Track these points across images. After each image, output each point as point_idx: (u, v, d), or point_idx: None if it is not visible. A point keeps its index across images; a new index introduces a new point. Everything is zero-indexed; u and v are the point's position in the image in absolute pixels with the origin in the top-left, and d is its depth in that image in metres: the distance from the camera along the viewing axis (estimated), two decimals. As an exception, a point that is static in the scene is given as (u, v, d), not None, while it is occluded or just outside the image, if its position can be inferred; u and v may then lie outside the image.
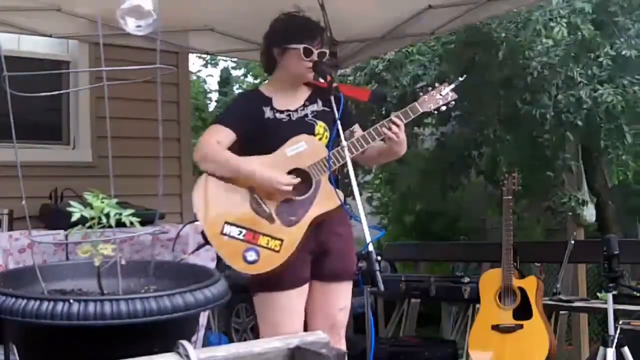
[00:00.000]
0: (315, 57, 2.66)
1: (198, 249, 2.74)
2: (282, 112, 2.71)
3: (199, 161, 2.64)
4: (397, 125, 2.60)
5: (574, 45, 5.47)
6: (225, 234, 2.51)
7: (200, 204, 2.57)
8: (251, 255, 2.49)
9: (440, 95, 2.69)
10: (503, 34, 5.54)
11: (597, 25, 5.64)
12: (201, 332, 4.01)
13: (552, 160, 5.84)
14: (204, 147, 2.64)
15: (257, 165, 2.57)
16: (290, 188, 2.54)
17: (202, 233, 2.56)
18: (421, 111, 2.67)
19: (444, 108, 2.72)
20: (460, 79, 2.76)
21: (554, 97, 5.50)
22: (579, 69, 5.51)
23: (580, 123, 5.48)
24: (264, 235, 2.52)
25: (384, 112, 6.36)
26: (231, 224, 2.52)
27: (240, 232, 2.52)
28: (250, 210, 2.55)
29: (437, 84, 2.74)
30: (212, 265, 3.63)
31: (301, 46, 2.65)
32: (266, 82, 2.99)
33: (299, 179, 2.56)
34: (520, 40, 5.57)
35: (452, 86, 2.71)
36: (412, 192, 8.22)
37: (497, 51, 5.54)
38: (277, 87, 2.77)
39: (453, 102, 2.72)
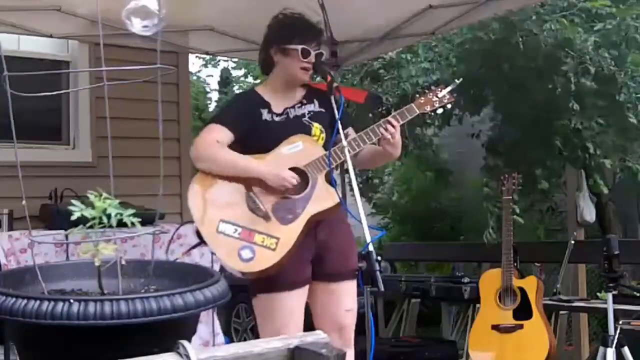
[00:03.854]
0: (312, 58, 2.66)
1: (193, 248, 2.74)
2: (279, 114, 2.71)
3: (197, 159, 2.64)
4: (393, 126, 2.60)
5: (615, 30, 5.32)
6: (220, 232, 2.51)
7: (195, 203, 2.57)
8: (246, 253, 2.49)
9: (437, 97, 2.71)
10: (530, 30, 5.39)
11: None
12: (219, 337, 4.00)
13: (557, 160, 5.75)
14: (202, 146, 2.64)
15: (258, 162, 2.58)
16: (295, 182, 2.54)
17: (198, 232, 2.56)
18: (417, 112, 2.69)
19: (440, 110, 2.73)
20: (457, 81, 2.79)
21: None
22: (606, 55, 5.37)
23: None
24: (260, 233, 2.51)
25: (384, 112, 6.29)
26: (227, 222, 2.51)
27: (236, 230, 2.51)
28: (246, 208, 2.55)
29: (433, 87, 2.76)
30: (215, 266, 3.63)
31: (299, 47, 2.65)
32: (262, 82, 2.99)
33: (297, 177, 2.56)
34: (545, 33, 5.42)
35: (449, 89, 2.73)
36: (423, 193, 8.23)
37: (537, 46, 5.36)
38: (274, 88, 2.76)
39: (449, 105, 2.74)
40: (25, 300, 1.21)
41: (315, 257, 2.68)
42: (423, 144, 6.93)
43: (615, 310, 3.12)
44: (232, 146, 2.65)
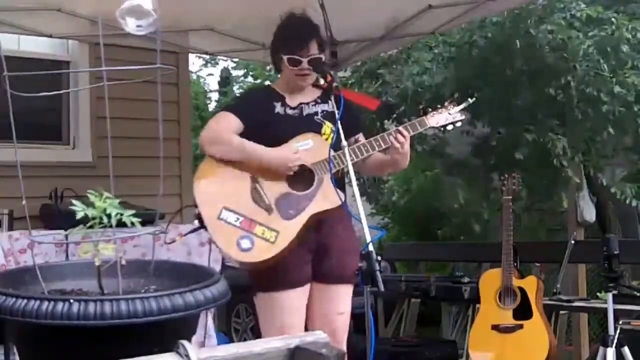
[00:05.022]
0: (305, 64, 2.67)
1: (192, 231, 2.74)
2: (293, 108, 2.73)
3: (206, 144, 2.65)
4: (404, 136, 2.62)
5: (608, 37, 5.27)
6: (222, 219, 2.51)
7: (200, 187, 2.58)
8: (245, 243, 2.49)
9: (449, 114, 2.76)
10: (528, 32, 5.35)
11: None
12: (212, 340, 3.99)
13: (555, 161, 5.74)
14: (212, 130, 2.66)
15: (265, 148, 2.59)
16: (299, 159, 2.56)
17: (199, 216, 2.56)
18: (428, 125, 2.73)
19: (450, 127, 2.77)
20: (470, 100, 2.83)
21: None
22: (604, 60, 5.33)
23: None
24: (260, 225, 2.52)
25: (394, 120, 6.27)
26: (229, 210, 2.52)
27: (237, 219, 2.52)
28: (250, 199, 2.56)
29: (446, 103, 2.80)
30: (216, 266, 3.63)
31: (285, 57, 2.68)
32: (276, 81, 3.01)
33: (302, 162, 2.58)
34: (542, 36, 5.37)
35: (461, 107, 2.77)
36: (424, 192, 8.23)
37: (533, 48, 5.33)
38: (286, 87, 2.79)
39: (460, 123, 2.77)
40: (25, 300, 1.21)
41: (315, 258, 2.68)
42: (427, 143, 6.90)
43: (615, 310, 3.12)
44: (243, 137, 2.67)
